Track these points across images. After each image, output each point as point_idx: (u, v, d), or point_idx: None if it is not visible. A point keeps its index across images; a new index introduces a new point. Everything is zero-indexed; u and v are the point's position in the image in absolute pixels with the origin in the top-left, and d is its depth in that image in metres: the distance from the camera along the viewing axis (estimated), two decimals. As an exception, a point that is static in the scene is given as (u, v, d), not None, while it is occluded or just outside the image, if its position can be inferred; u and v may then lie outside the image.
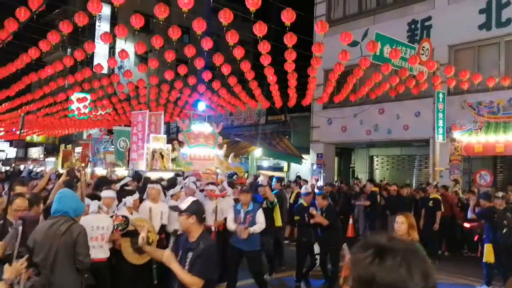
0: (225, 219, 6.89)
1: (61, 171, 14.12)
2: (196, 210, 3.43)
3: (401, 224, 4.42)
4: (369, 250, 1.17)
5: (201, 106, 16.54)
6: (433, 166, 13.43)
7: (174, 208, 3.62)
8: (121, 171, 12.31)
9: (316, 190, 10.53)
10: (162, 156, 10.83)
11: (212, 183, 7.96)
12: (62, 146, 20.28)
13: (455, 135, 13.47)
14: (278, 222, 8.49)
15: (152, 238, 5.77)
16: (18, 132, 21.74)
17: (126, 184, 7.60)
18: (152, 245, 5.70)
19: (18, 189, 5.23)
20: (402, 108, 15.00)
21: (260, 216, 6.49)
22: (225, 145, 12.12)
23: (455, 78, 12.49)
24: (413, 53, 12.37)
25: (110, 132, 22.45)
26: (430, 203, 10.13)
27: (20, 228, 3.59)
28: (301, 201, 7.71)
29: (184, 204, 3.45)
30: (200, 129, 11.39)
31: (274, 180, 10.61)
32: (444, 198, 10.56)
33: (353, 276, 1.18)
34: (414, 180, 16.98)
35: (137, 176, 9.37)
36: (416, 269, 1.12)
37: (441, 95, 13.32)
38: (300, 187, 10.38)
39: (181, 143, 11.28)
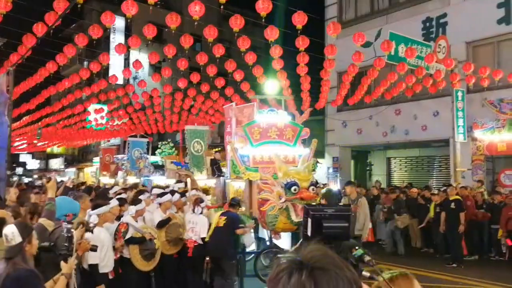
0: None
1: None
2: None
3: None
4: (282, 266, 1.04)
5: (273, 86, 11.58)
6: (454, 167, 13.10)
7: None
8: (204, 181, 10.07)
9: None
10: None
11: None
12: (100, 154, 20.40)
13: (476, 134, 13.10)
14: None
15: (158, 244, 5.92)
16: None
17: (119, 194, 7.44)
18: (158, 251, 5.84)
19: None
20: (420, 108, 14.72)
21: None
22: (314, 142, 7.64)
23: (474, 75, 12.19)
24: (429, 52, 12.16)
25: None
26: (452, 205, 9.83)
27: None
28: None
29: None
30: (270, 120, 7.45)
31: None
32: (465, 199, 10.24)
33: None
34: (434, 182, 16.61)
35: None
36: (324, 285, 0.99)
37: (460, 93, 12.99)
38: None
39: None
